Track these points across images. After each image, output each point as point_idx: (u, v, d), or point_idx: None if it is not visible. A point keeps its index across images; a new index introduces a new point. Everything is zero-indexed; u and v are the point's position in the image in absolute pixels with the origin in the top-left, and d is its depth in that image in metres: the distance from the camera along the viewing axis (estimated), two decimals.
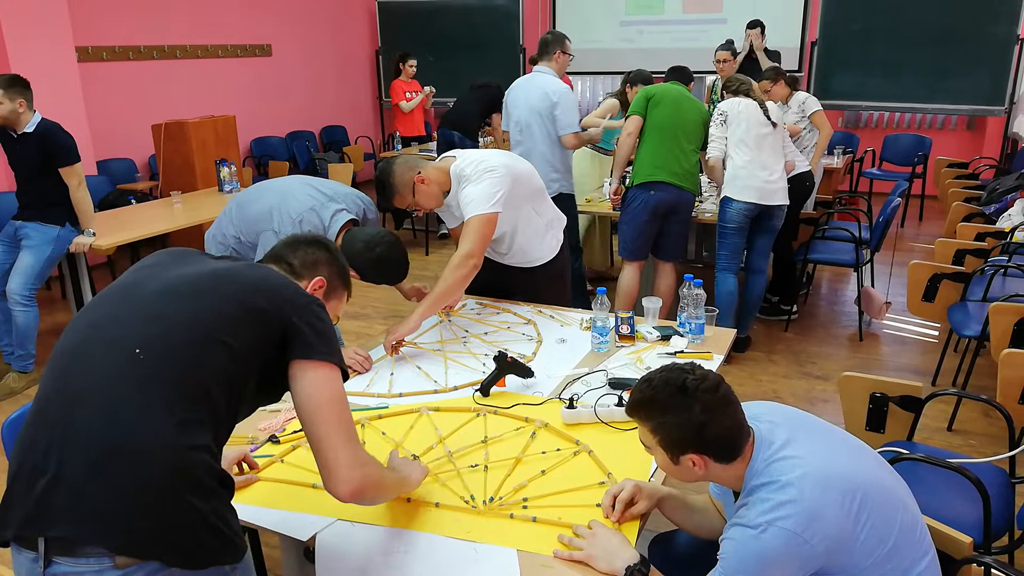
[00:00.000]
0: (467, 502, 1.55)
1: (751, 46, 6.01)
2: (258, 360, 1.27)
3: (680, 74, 4.07)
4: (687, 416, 1.30)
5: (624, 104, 4.65)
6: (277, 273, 1.41)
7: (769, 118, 3.76)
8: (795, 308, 4.41)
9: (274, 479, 1.64)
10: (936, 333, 4.19)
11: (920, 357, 3.92)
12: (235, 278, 1.31)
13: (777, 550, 1.23)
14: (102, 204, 4.91)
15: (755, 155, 3.74)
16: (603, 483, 1.61)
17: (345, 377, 1.34)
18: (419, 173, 2.43)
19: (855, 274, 4.40)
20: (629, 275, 3.86)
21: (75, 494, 1.10)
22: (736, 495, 1.40)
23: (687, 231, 3.92)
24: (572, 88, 5.47)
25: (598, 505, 1.53)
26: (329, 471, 1.27)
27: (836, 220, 4.74)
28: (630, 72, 4.68)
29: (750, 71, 5.37)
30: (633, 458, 1.71)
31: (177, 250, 1.42)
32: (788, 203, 3.91)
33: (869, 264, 4.48)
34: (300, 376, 1.28)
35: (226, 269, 1.34)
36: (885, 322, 4.37)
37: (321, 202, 2.45)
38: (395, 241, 2.37)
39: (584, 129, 4.22)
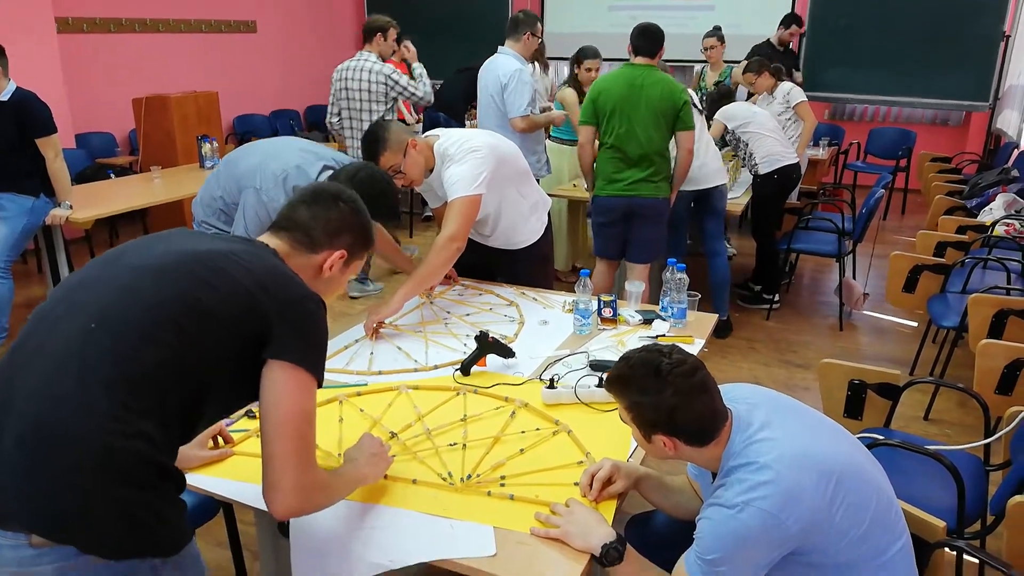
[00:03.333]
0: (445, 479, 1.54)
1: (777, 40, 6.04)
2: (228, 354, 1.19)
3: (647, 41, 3.41)
4: (659, 399, 1.29)
5: (578, 89, 4.52)
6: (273, 259, 1.30)
7: (695, 105, 3.73)
8: (777, 297, 4.43)
9: (249, 453, 1.62)
10: (915, 325, 4.23)
11: (898, 347, 3.96)
12: (219, 261, 1.22)
13: (753, 530, 1.23)
14: (80, 178, 4.83)
15: None
16: (581, 463, 1.61)
17: (319, 385, 1.27)
18: (413, 138, 2.39)
19: (836, 265, 4.42)
20: (599, 272, 3.70)
21: (5, 466, 1.06)
22: (714, 476, 1.40)
23: (656, 234, 3.58)
24: (547, 71, 5.40)
25: (576, 484, 1.53)
26: (271, 487, 1.20)
27: (820, 211, 4.76)
28: (577, 51, 4.54)
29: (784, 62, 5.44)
30: (612, 438, 1.70)
31: (184, 230, 1.36)
32: (724, 182, 3.94)
33: (851, 255, 4.50)
34: (271, 378, 1.20)
35: (216, 251, 1.24)
36: (866, 312, 4.41)
37: (309, 160, 2.36)
38: (377, 168, 2.22)
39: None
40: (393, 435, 1.70)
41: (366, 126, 4.14)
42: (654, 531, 1.69)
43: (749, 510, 1.23)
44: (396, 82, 4.33)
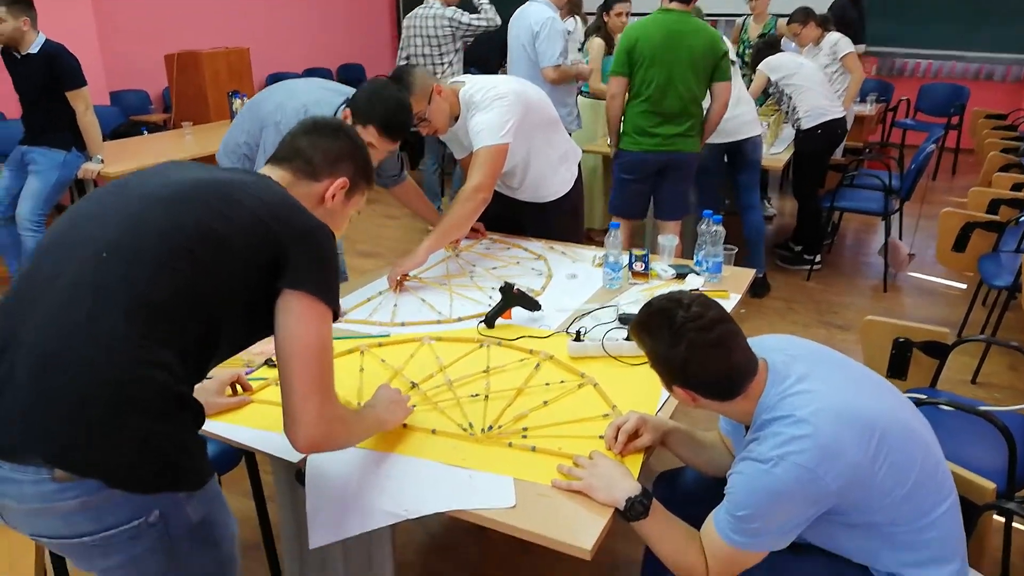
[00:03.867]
0: (465, 430, 1.50)
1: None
2: (242, 285, 1.16)
3: None
4: (671, 352, 1.23)
5: (607, 38, 4.37)
6: (280, 189, 1.28)
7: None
8: (818, 258, 4.27)
9: (268, 401, 1.59)
10: (963, 287, 4.05)
11: (945, 309, 3.79)
12: (230, 190, 1.20)
13: (788, 485, 1.16)
14: (114, 135, 4.85)
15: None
16: (607, 415, 1.54)
17: (336, 318, 1.24)
18: (437, 83, 2.31)
19: (882, 225, 4.24)
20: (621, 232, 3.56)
21: (18, 398, 1.04)
22: (747, 430, 1.33)
23: (688, 188, 3.55)
24: (584, 22, 5.21)
25: (600, 437, 1.47)
26: (293, 420, 1.18)
27: (865, 168, 4.57)
28: None
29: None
30: (640, 392, 1.64)
31: (185, 161, 1.33)
32: (759, 132, 3.77)
33: (898, 214, 4.32)
34: (286, 309, 1.17)
35: (225, 181, 1.22)
36: (911, 274, 4.24)
37: (329, 98, 2.28)
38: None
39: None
40: (414, 385, 1.66)
41: (434, 72, 4.17)
42: (682, 488, 1.63)
43: (784, 465, 1.16)
44: (460, 22, 4.42)
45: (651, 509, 1.28)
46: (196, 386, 1.40)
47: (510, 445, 1.44)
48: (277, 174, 1.32)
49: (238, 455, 1.81)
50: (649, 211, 3.67)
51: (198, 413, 1.15)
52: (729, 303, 2.12)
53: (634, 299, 2.13)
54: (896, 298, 3.98)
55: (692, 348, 1.21)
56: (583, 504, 1.29)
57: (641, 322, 1.28)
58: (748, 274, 2.36)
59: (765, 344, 1.36)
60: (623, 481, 1.30)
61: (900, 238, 4.41)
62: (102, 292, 1.07)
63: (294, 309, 1.18)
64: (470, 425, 1.51)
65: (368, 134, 1.99)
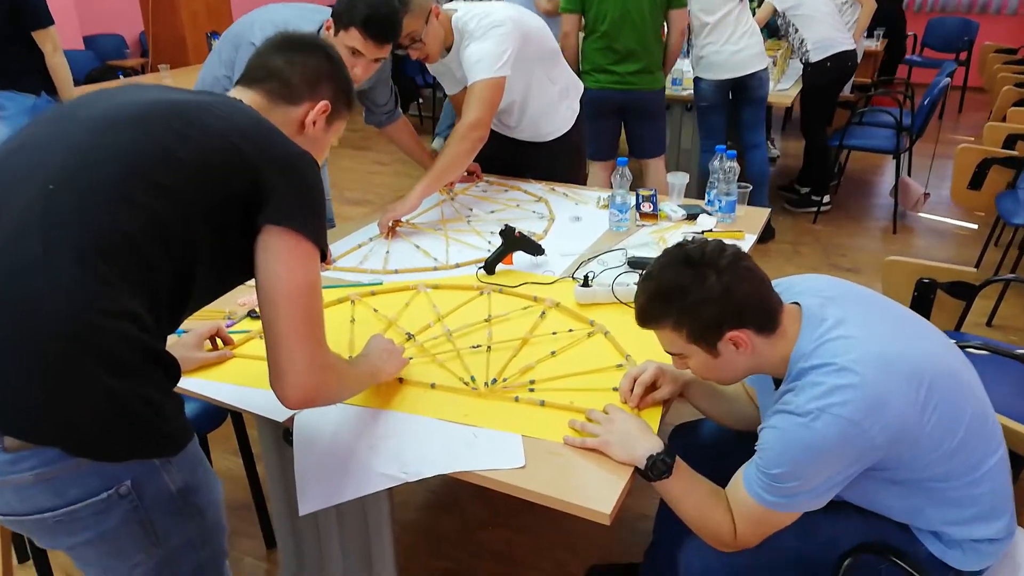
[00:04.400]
0: (467, 384, 1.37)
1: None
2: (216, 219, 1.02)
3: None
4: (705, 286, 1.10)
5: None
6: (253, 112, 1.12)
7: None
8: (827, 198, 4.13)
9: (252, 356, 1.46)
10: (975, 227, 3.93)
11: (958, 250, 3.68)
12: (196, 112, 1.04)
13: (829, 439, 1.04)
14: (88, 79, 4.61)
15: (719, 31, 3.49)
16: (621, 366, 1.42)
17: (323, 258, 1.11)
18: (436, 5, 2.12)
19: (889, 164, 4.10)
20: (594, 175, 3.43)
21: None
22: (776, 382, 1.21)
23: (662, 124, 3.47)
24: None
25: (614, 389, 1.35)
26: (280, 371, 1.04)
27: (873, 106, 4.39)
28: None
29: None
30: (653, 340, 1.51)
31: (142, 84, 1.16)
32: (765, 67, 3.61)
33: (907, 153, 4.16)
34: (268, 247, 1.04)
35: (189, 101, 1.07)
36: (920, 215, 4.11)
37: (311, 15, 2.06)
38: None
39: None
40: (410, 337, 1.53)
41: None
42: (700, 442, 1.52)
43: (825, 417, 1.04)
44: None
45: (674, 467, 1.16)
46: (171, 341, 1.28)
47: (516, 400, 1.32)
48: (248, 97, 1.17)
49: (222, 413, 1.69)
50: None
51: (172, 367, 1.02)
52: (745, 244, 1.99)
53: (643, 241, 1.99)
54: (907, 239, 3.85)
55: (723, 272, 1.09)
56: (599, 463, 1.18)
57: (654, 292, 1.14)
58: (763, 214, 2.22)
59: (794, 287, 1.23)
60: (642, 437, 1.19)
61: (910, 176, 4.26)
62: (53, 231, 0.92)
63: (277, 248, 1.04)
64: (472, 379, 1.39)
65: (351, 38, 1.81)
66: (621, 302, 1.65)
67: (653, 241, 1.99)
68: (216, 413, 1.66)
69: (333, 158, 5.14)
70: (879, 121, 4.03)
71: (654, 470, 1.15)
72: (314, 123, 1.20)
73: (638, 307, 1.17)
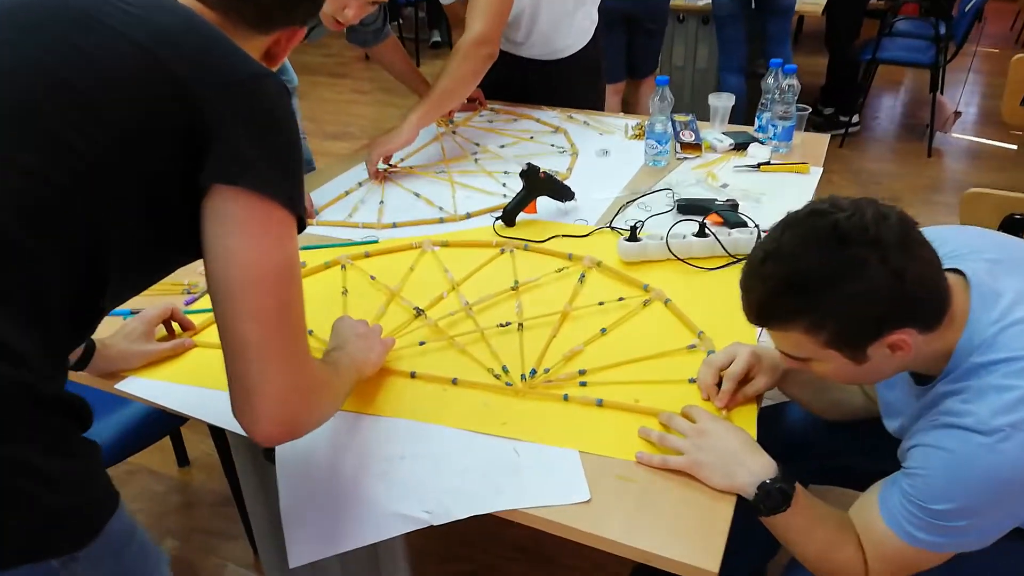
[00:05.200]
0: (498, 377, 1.06)
1: None
2: (134, 178, 0.69)
3: None
4: (865, 275, 0.77)
5: None
6: (192, 13, 0.77)
7: None
8: (856, 119, 3.77)
9: (218, 344, 1.13)
10: (1014, 148, 3.60)
11: (999, 175, 3.36)
12: (112, 20, 0.69)
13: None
14: None
15: None
16: (693, 347, 1.11)
17: (301, 227, 0.77)
18: None
19: (910, 80, 3.72)
20: (608, 100, 3.08)
21: None
22: (919, 377, 0.90)
23: (659, 41, 3.21)
24: None
25: (691, 381, 1.04)
26: (246, 398, 0.73)
27: (902, 14, 3.98)
28: None
29: None
30: (727, 309, 1.20)
31: None
32: None
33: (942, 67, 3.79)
34: (220, 218, 0.71)
35: (104, 3, 0.71)
36: (952, 135, 3.77)
37: None
38: None
39: None
40: (419, 313, 1.20)
41: None
42: (785, 433, 1.22)
43: (1021, 437, 0.74)
44: None
45: (794, 496, 0.86)
46: (110, 329, 0.97)
47: (566, 399, 1.01)
48: (197, 10, 0.79)
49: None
50: None
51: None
52: (811, 180, 1.66)
53: (688, 179, 1.65)
54: (944, 163, 3.53)
55: (900, 251, 0.77)
56: (688, 489, 0.88)
57: (789, 280, 0.80)
58: (823, 140, 1.88)
59: (944, 243, 0.90)
60: (747, 456, 0.88)
61: (941, 93, 3.90)
62: None
63: (234, 217, 0.71)
64: (504, 370, 1.07)
65: None
66: (679, 258, 1.32)
67: (702, 177, 1.66)
68: (169, 420, 1.34)
69: (306, 88, 4.69)
70: (915, 31, 3.63)
71: (767, 502, 0.85)
72: (283, 52, 0.87)
73: (755, 301, 0.83)
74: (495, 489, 0.88)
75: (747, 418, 0.98)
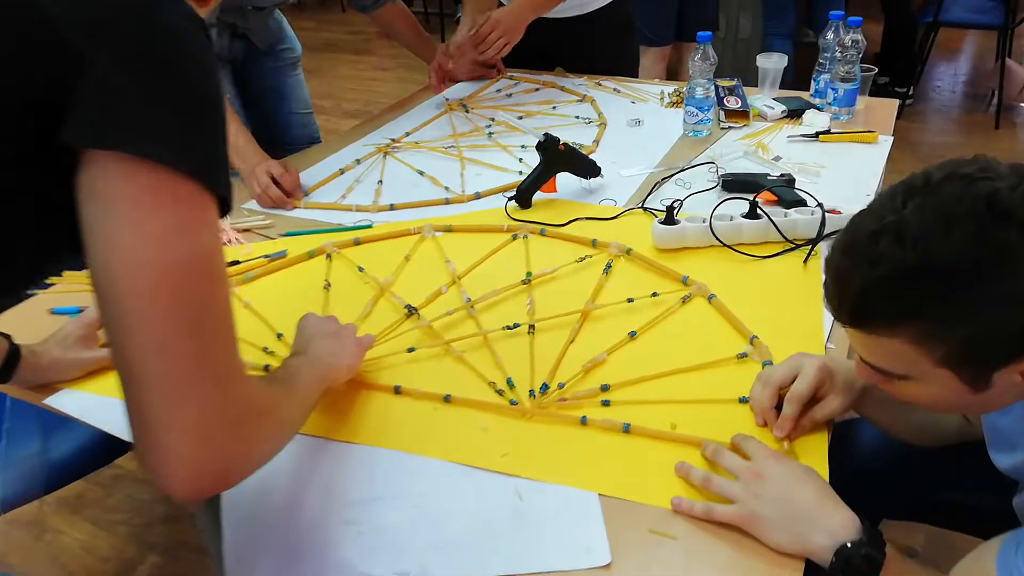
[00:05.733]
0: (501, 393, 0.86)
1: None
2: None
3: None
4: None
5: None
6: None
7: None
8: (911, 91, 3.46)
9: None
10: None
11: None
12: None
13: None
14: None
15: None
16: (743, 356, 0.89)
17: (225, 210, 0.58)
18: None
19: (971, 44, 3.40)
20: (649, 66, 2.77)
21: None
22: None
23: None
24: None
25: (742, 401, 0.83)
26: (150, 436, 0.53)
27: None
28: None
29: None
30: (787, 308, 0.98)
31: None
32: None
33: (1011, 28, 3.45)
34: (95, 199, 0.53)
35: None
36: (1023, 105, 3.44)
37: None
38: None
39: None
40: (411, 312, 1.01)
41: None
42: (857, 459, 1.00)
43: None
44: None
45: (884, 563, 0.65)
46: (48, 336, 0.83)
47: (584, 422, 0.81)
48: None
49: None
50: None
51: None
52: (881, 150, 1.42)
53: (734, 151, 1.43)
54: (1015, 136, 3.20)
55: None
56: (739, 550, 0.67)
57: (919, 263, 0.57)
58: (890, 105, 1.63)
59: None
60: (823, 509, 0.67)
61: (1010, 56, 3.56)
62: None
63: (113, 195, 0.52)
64: (509, 384, 0.87)
65: None
66: (725, 244, 1.11)
67: (750, 149, 1.43)
68: (113, 445, 1.16)
69: (327, 64, 4.51)
70: None
71: (850, 570, 0.64)
72: None
73: (854, 292, 0.61)
74: (490, 546, 0.69)
75: (815, 451, 0.77)
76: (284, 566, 0.71)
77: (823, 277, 0.66)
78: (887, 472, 0.98)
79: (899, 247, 0.58)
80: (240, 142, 1.36)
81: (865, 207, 0.64)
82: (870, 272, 0.59)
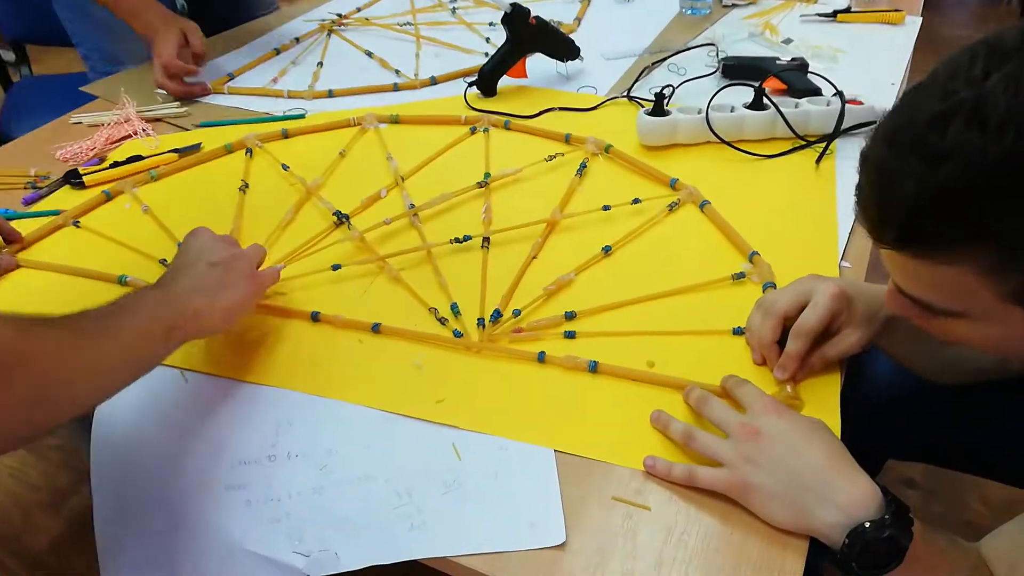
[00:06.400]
0: (443, 322, 0.70)
1: None
2: None
3: None
4: None
5: None
6: None
7: None
8: None
9: (54, 267, 0.79)
10: None
11: None
12: None
13: None
14: None
15: None
16: (740, 277, 0.73)
17: None
18: None
19: None
20: None
21: None
22: None
23: None
24: None
25: (737, 332, 0.67)
26: None
27: None
28: None
29: None
30: (797, 218, 0.81)
31: None
32: None
33: None
34: None
35: None
36: None
37: None
38: None
39: None
40: (341, 220, 0.83)
41: None
42: (872, 393, 0.86)
43: None
44: None
45: (911, 542, 0.51)
46: None
47: (541, 359, 0.65)
48: None
49: None
50: None
51: None
52: (908, 33, 1.22)
53: (738, 32, 1.22)
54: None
55: None
56: (728, 525, 0.53)
57: (1001, 155, 0.40)
58: None
59: None
60: (835, 478, 0.52)
61: None
62: None
63: None
64: (454, 311, 0.71)
65: None
66: (723, 141, 0.92)
67: (755, 30, 1.22)
68: None
69: None
70: None
71: (867, 556, 0.50)
72: None
73: (906, 200, 0.44)
74: (414, 520, 0.54)
75: (825, 398, 0.62)
76: (153, 540, 0.57)
77: (856, 179, 0.49)
78: (905, 409, 0.84)
79: (978, 134, 0.40)
80: None
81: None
82: (931, 172, 0.42)
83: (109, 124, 1.03)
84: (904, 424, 0.85)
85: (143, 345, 0.55)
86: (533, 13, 1.04)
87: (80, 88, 1.15)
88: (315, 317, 0.71)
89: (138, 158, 0.95)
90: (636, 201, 0.83)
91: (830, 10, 1.25)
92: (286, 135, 0.99)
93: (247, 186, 0.90)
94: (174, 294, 0.59)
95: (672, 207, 0.83)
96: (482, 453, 0.59)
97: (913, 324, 0.59)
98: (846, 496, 0.51)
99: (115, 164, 0.94)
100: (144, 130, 1.02)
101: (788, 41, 1.18)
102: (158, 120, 1.06)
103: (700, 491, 0.55)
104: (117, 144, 1.01)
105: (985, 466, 0.85)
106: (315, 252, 0.79)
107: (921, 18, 1.25)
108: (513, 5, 1.03)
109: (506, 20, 1.03)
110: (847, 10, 1.24)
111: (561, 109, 1.02)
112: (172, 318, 0.57)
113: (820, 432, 0.55)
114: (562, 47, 1.08)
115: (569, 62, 1.10)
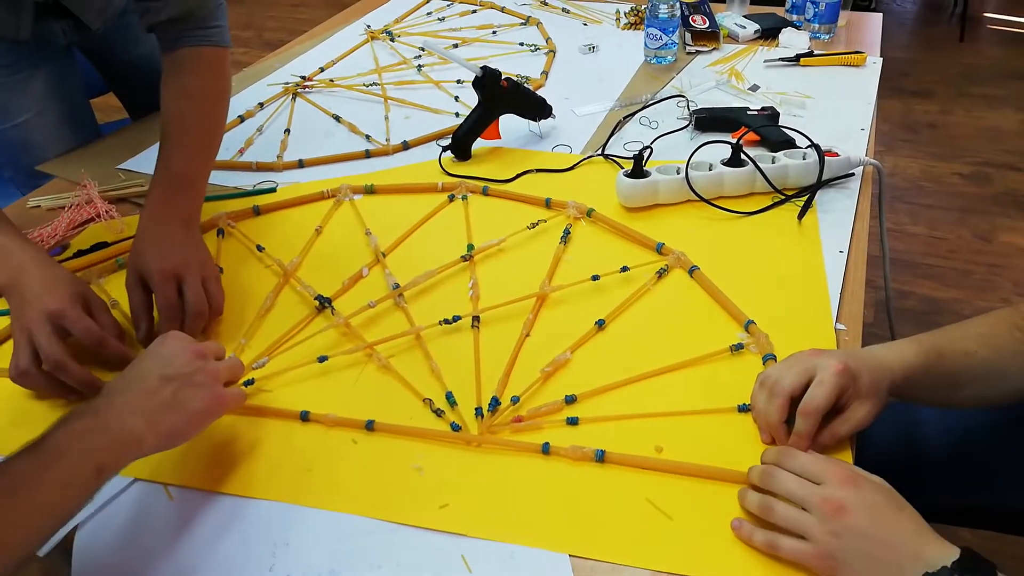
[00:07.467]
0: (439, 414, 0.67)
1: None
2: None
3: None
4: None
5: None
6: None
7: None
8: (874, 2, 3.28)
9: None
10: None
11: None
12: None
13: None
14: None
15: None
16: (738, 348, 0.72)
17: None
18: None
19: None
20: None
21: None
22: None
23: None
24: None
25: (743, 409, 0.66)
26: None
27: None
28: None
29: None
30: (786, 280, 0.81)
31: None
32: None
33: None
34: None
35: None
36: (986, 14, 3.29)
37: None
38: None
39: None
40: (323, 305, 0.80)
41: None
42: (926, 447, 0.84)
43: None
44: None
45: None
46: None
47: (545, 451, 0.63)
48: None
49: None
50: None
51: None
52: (871, 74, 1.24)
53: (704, 81, 1.23)
54: (977, 49, 3.06)
55: None
56: None
57: None
58: (875, 20, 1.44)
59: None
60: (921, 547, 0.51)
61: None
62: None
63: None
64: (449, 400, 0.68)
65: None
66: (705, 200, 0.92)
67: (722, 78, 1.23)
68: None
69: None
70: None
71: None
72: None
73: None
74: None
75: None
76: None
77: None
78: (950, 456, 0.83)
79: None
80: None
81: None
82: None
83: (70, 207, 0.99)
84: (922, 486, 0.84)
85: (69, 494, 0.50)
86: (503, 76, 1.03)
87: (36, 168, 1.11)
88: (304, 417, 0.68)
89: (103, 245, 0.91)
90: (625, 269, 0.82)
91: (792, 54, 1.26)
92: (258, 212, 0.96)
93: (221, 271, 0.87)
94: (107, 419, 0.53)
95: (661, 273, 0.82)
96: (493, 562, 0.56)
97: (931, 377, 0.59)
98: (930, 552, 0.50)
99: (79, 253, 0.90)
100: (107, 212, 0.98)
101: (755, 88, 1.19)
102: (122, 200, 1.02)
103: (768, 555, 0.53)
104: (80, 228, 0.97)
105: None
106: (298, 343, 0.76)
107: (882, 58, 1.27)
108: (484, 68, 1.02)
109: (477, 84, 1.02)
110: (809, 54, 1.26)
111: (538, 171, 1.01)
112: (102, 453, 0.51)
113: (896, 497, 0.54)
114: (535, 108, 1.07)
115: (540, 120, 1.09)
